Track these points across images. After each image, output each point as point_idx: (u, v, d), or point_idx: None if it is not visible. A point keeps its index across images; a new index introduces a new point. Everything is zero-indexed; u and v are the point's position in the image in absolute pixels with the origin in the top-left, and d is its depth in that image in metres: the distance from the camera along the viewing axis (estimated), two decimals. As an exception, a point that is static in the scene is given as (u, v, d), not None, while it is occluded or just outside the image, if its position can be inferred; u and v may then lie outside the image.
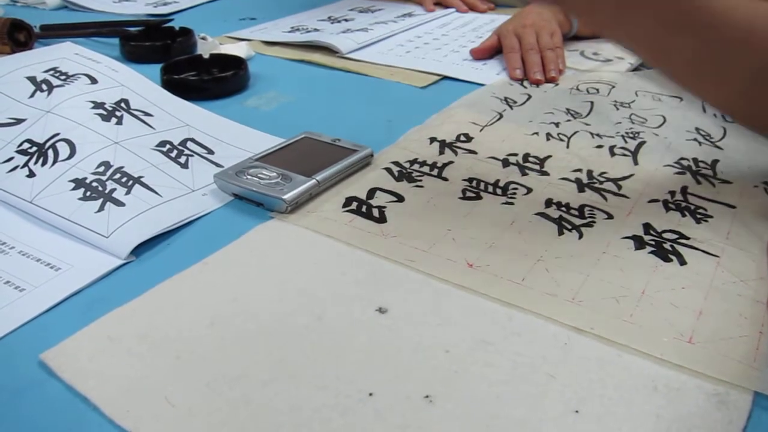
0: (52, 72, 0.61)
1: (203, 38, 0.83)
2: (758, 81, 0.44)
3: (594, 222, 0.46)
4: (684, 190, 0.50)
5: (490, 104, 0.68)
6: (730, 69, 0.45)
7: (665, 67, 0.48)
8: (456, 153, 0.57)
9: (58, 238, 0.45)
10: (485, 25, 1.01)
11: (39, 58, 0.63)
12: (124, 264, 0.42)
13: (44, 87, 0.58)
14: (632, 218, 0.47)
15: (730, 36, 0.43)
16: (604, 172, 0.54)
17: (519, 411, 0.31)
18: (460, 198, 0.49)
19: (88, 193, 0.47)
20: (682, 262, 0.42)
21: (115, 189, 0.47)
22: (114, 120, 0.55)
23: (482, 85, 0.75)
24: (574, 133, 0.61)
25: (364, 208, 0.48)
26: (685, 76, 0.48)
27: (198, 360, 0.34)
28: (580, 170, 0.54)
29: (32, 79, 0.60)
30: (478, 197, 0.50)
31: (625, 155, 0.57)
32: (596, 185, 0.51)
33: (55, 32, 0.92)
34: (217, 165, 0.54)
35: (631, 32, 0.46)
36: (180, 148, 0.55)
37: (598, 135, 0.61)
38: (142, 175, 0.50)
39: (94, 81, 0.60)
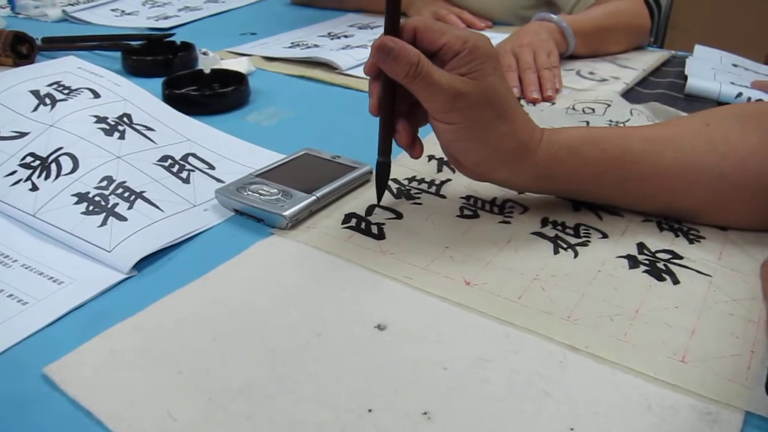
0: (55, 86, 0.62)
1: (204, 53, 0.84)
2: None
3: (589, 241, 0.47)
4: (677, 211, 0.51)
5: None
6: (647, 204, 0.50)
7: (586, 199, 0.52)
8: (454, 170, 0.58)
9: (60, 251, 0.46)
10: (483, 42, 1.02)
11: (42, 72, 0.64)
12: (126, 278, 0.43)
13: (47, 101, 0.59)
14: (626, 238, 0.48)
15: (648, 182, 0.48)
16: (600, 191, 0.54)
17: (515, 428, 0.32)
18: (458, 216, 0.50)
19: (91, 208, 0.48)
20: (676, 282, 0.43)
21: (117, 204, 0.48)
22: (116, 134, 0.56)
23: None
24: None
25: (363, 225, 0.49)
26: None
27: (200, 375, 0.35)
28: (575, 189, 0.55)
29: (36, 93, 0.60)
30: (476, 215, 0.50)
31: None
32: (591, 204, 0.52)
33: (57, 45, 0.93)
34: (218, 180, 0.55)
35: (551, 192, 0.52)
36: (181, 163, 0.56)
37: (593, 154, 0.62)
38: (144, 190, 0.50)
39: (96, 95, 0.61)
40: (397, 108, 0.46)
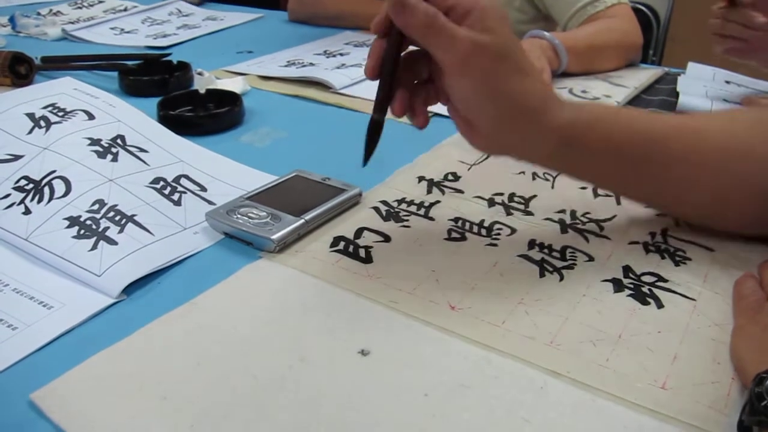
0: (50, 108, 0.62)
1: (200, 73, 0.85)
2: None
3: (575, 264, 0.47)
4: (664, 232, 0.52)
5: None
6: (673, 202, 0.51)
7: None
8: (443, 192, 0.58)
9: (51, 275, 0.46)
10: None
11: (38, 94, 0.65)
12: (115, 302, 0.43)
13: (42, 123, 0.60)
14: (612, 260, 0.48)
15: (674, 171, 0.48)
16: (587, 213, 0.55)
17: (494, 456, 0.32)
18: (446, 239, 0.51)
19: (82, 231, 0.48)
20: (660, 306, 0.43)
21: (108, 227, 0.49)
22: (110, 157, 0.57)
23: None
24: (560, 173, 0.63)
25: (351, 248, 0.49)
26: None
27: (183, 401, 0.35)
28: (563, 211, 0.55)
29: (31, 116, 0.61)
30: (463, 238, 0.51)
31: (608, 196, 0.58)
32: (579, 226, 0.53)
33: (56, 64, 0.94)
34: (210, 202, 0.55)
35: (568, 166, 0.50)
36: (173, 185, 0.57)
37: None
38: (136, 213, 0.51)
39: (91, 117, 0.62)
40: (399, 78, 0.45)
